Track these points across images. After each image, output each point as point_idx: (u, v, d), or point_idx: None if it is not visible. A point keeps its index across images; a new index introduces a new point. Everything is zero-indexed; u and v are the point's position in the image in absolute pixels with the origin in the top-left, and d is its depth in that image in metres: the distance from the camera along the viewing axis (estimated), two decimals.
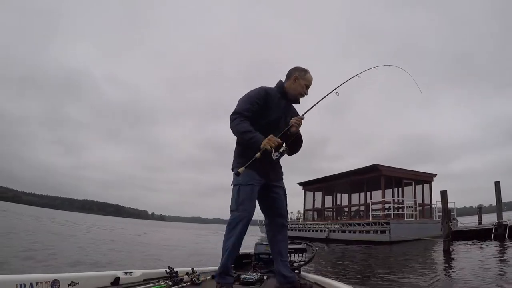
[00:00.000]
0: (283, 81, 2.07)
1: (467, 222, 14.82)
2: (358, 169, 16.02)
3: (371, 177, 15.23)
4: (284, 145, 1.86)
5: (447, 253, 8.57)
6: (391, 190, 15.38)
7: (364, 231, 13.69)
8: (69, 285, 1.66)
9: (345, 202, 18.95)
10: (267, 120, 1.95)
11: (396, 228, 12.30)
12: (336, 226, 15.84)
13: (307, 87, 2.06)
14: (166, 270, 2.08)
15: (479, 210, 17.58)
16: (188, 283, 2.02)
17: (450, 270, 6.08)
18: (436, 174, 16.21)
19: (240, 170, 1.71)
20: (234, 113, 1.89)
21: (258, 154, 1.74)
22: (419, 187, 15.73)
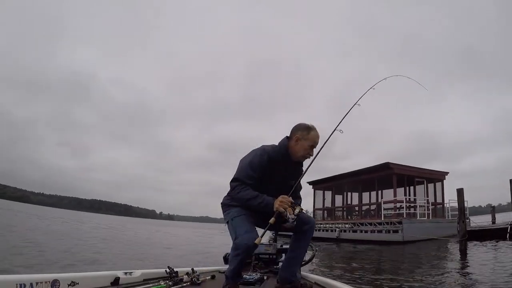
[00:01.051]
0: (287, 138, 1.93)
1: (479, 221, 14.58)
2: (369, 167, 15.90)
3: (383, 176, 15.11)
4: (299, 205, 1.77)
5: (464, 253, 8.46)
6: (402, 188, 15.27)
7: (375, 231, 13.59)
8: (69, 285, 1.70)
9: (355, 201, 18.87)
10: (273, 184, 1.86)
11: (408, 227, 12.22)
12: (347, 225, 15.83)
13: (312, 147, 1.91)
14: (166, 270, 2.12)
15: (493, 209, 17.42)
16: (188, 283, 2.06)
17: (471, 271, 5.95)
18: (448, 172, 16.06)
19: (257, 241, 1.62)
20: (234, 180, 1.82)
21: (272, 220, 1.65)
22: (431, 186, 15.57)
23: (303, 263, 2.23)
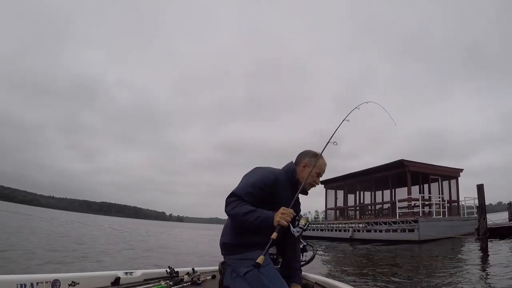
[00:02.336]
0: (293, 164, 1.88)
1: (494, 219, 14.32)
2: (382, 165, 15.74)
3: (397, 174, 14.99)
4: (304, 217, 1.64)
5: (486, 251, 8.30)
6: (417, 186, 15.11)
7: (390, 230, 13.47)
8: (69, 285, 1.76)
9: (367, 200, 18.75)
10: (274, 209, 1.73)
11: (425, 226, 12.13)
12: (360, 225, 15.73)
13: (319, 175, 1.85)
14: (166, 270, 2.16)
15: (509, 206, 17.10)
16: (189, 283, 2.10)
17: (495, 270, 5.81)
18: (462, 169, 15.79)
19: (260, 260, 1.45)
20: (231, 195, 1.68)
21: (274, 235, 1.49)
22: (445, 183, 15.42)
23: (303, 263, 2.24)
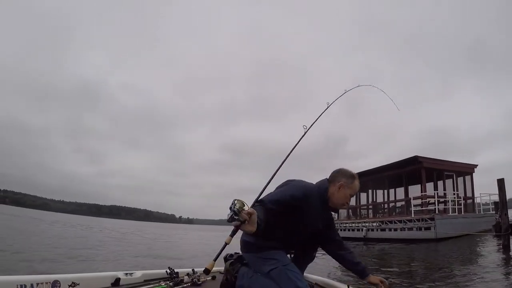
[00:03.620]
0: (327, 182, 1.87)
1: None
2: (396, 162, 15.55)
3: (410, 170, 14.81)
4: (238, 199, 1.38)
5: (507, 248, 8.17)
6: (431, 183, 14.92)
7: (406, 229, 13.34)
8: (69, 286, 1.81)
9: (380, 198, 18.66)
10: (300, 224, 1.83)
11: (441, 224, 11.98)
12: (374, 224, 15.62)
13: (352, 196, 1.88)
14: (166, 271, 2.21)
15: None
16: (189, 284, 2.14)
17: None
18: (477, 165, 15.52)
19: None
20: (258, 201, 1.66)
21: (228, 239, 1.37)
22: (460, 179, 15.21)
23: None
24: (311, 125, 2.27)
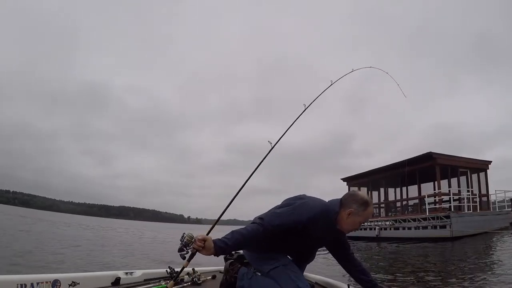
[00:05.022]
0: (339, 205, 1.80)
1: None
2: (409, 159, 15.36)
3: (424, 167, 14.66)
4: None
5: None
6: (445, 181, 14.73)
7: (420, 227, 13.23)
8: (69, 285, 1.86)
9: (391, 196, 18.56)
10: (303, 244, 1.87)
11: (457, 222, 11.86)
12: (387, 223, 15.52)
13: (362, 223, 1.84)
14: (166, 270, 2.25)
15: None
16: (189, 283, 2.18)
17: None
18: (491, 161, 15.33)
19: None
20: (259, 218, 1.71)
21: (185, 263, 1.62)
22: (474, 176, 15.02)
23: None
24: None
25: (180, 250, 1.55)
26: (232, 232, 1.63)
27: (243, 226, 1.91)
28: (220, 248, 1.54)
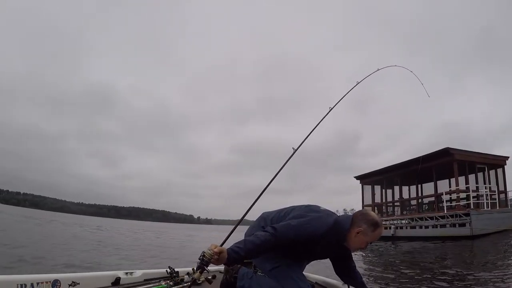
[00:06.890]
0: (349, 222, 1.82)
1: None
2: (425, 155, 15.12)
3: (441, 164, 14.43)
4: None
5: None
6: (462, 177, 14.47)
7: (438, 226, 13.02)
8: (69, 285, 1.92)
9: (405, 194, 18.42)
10: (310, 254, 1.92)
11: (477, 219, 11.66)
12: (403, 221, 15.36)
13: (369, 243, 1.86)
14: (166, 270, 2.30)
15: None
16: (189, 283, 2.21)
17: None
18: (508, 157, 14.95)
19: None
20: (273, 228, 1.72)
21: (197, 274, 1.61)
22: (492, 172, 14.75)
23: None
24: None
25: (199, 268, 1.56)
26: (244, 241, 1.66)
27: (249, 226, 1.95)
28: (233, 258, 1.57)
